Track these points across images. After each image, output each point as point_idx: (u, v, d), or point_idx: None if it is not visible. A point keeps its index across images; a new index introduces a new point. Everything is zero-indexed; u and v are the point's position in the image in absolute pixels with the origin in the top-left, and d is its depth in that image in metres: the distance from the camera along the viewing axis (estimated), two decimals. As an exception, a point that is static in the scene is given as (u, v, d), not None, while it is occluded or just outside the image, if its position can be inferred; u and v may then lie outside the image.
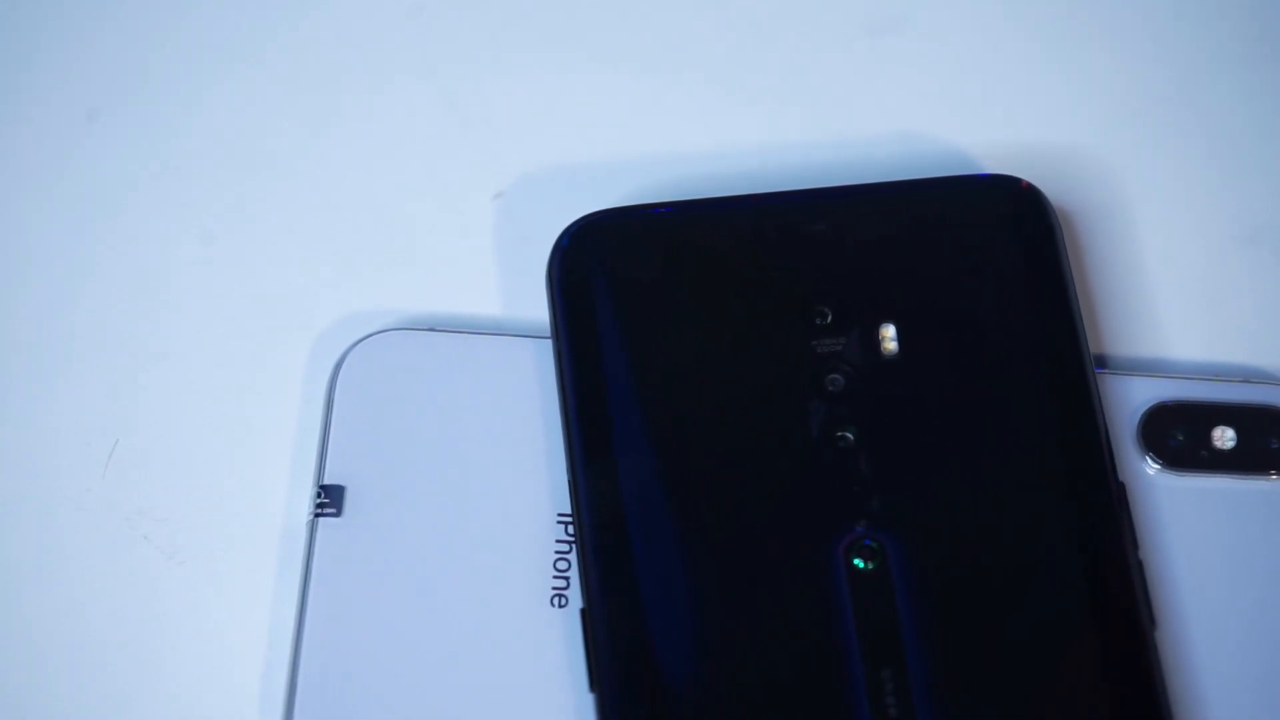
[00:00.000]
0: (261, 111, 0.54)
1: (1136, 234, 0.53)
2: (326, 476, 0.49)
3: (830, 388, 0.48)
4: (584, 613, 0.46)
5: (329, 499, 0.48)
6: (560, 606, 0.48)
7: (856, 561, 0.47)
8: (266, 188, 0.53)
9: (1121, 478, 0.48)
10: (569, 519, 0.48)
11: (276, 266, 0.52)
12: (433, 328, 0.50)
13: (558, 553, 0.48)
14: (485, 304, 0.52)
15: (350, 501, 0.48)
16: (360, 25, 0.55)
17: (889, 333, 0.49)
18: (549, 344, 0.49)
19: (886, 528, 0.47)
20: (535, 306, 0.50)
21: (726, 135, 0.54)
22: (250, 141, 0.54)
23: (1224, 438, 0.49)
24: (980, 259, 0.50)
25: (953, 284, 0.49)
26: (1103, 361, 0.51)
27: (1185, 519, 0.49)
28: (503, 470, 0.49)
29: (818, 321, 0.49)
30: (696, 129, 0.54)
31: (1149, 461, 0.49)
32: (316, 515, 0.48)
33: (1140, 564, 0.47)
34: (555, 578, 0.48)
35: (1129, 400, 0.50)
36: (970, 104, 0.54)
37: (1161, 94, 0.55)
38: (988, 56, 0.55)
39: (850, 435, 0.48)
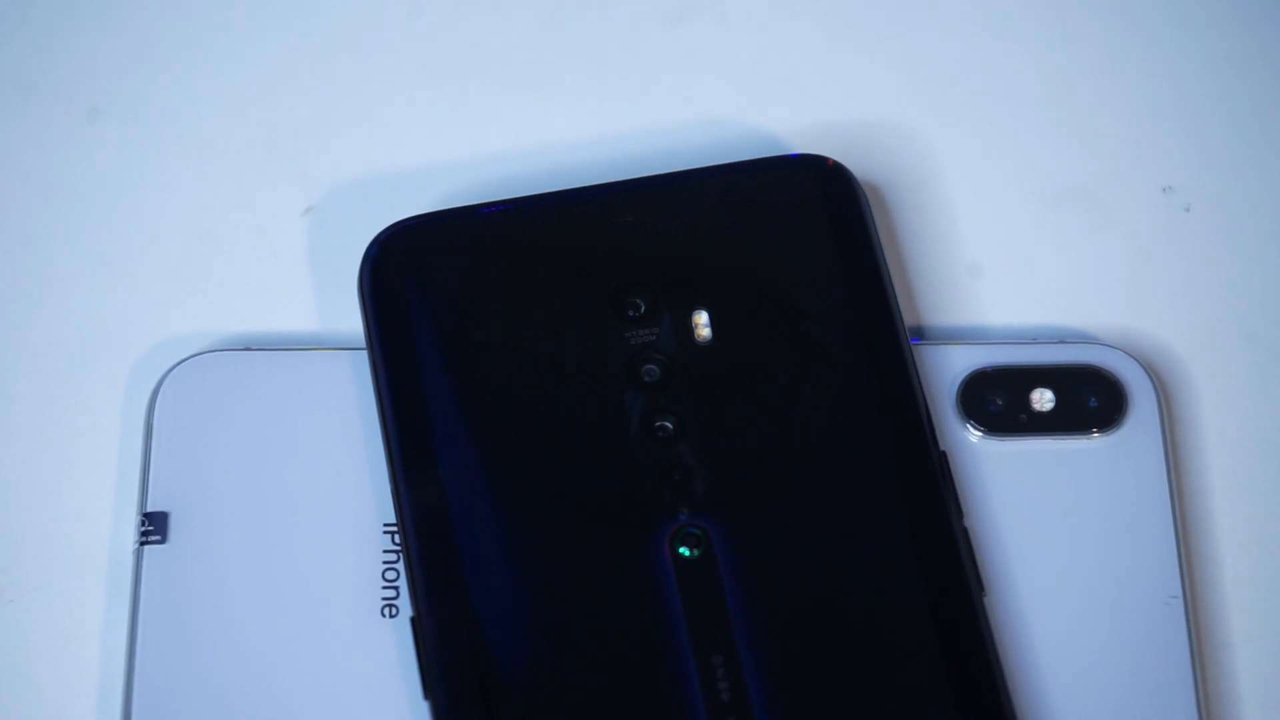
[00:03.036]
0: (63, 141, 0.54)
1: (945, 204, 0.53)
2: (150, 504, 0.48)
3: (646, 378, 0.48)
4: (414, 621, 0.46)
5: (153, 526, 0.48)
6: (391, 616, 0.48)
7: (682, 550, 0.47)
8: (73, 215, 0.53)
9: (943, 447, 0.48)
10: (395, 529, 0.48)
11: (87, 294, 0.52)
12: (248, 347, 0.50)
13: (386, 563, 0.48)
14: (302, 320, 0.52)
15: (175, 527, 0.48)
16: (160, 48, 0.55)
17: (702, 319, 0.49)
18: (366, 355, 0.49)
19: (709, 514, 0.47)
20: (352, 319, 0.50)
21: (534, 134, 0.54)
22: (51, 174, 0.53)
23: (1043, 400, 0.50)
24: (790, 239, 0.50)
25: (764, 266, 0.49)
26: (920, 333, 0.51)
27: (1009, 483, 0.49)
28: (327, 484, 0.49)
29: (630, 313, 0.49)
30: (503, 130, 0.54)
31: (970, 429, 0.49)
32: (142, 543, 0.48)
33: (966, 531, 0.47)
34: (385, 588, 0.48)
35: (947, 369, 0.50)
36: (773, 86, 0.54)
37: (958, 64, 0.55)
38: (787, 38, 0.55)
39: (669, 424, 0.48)
